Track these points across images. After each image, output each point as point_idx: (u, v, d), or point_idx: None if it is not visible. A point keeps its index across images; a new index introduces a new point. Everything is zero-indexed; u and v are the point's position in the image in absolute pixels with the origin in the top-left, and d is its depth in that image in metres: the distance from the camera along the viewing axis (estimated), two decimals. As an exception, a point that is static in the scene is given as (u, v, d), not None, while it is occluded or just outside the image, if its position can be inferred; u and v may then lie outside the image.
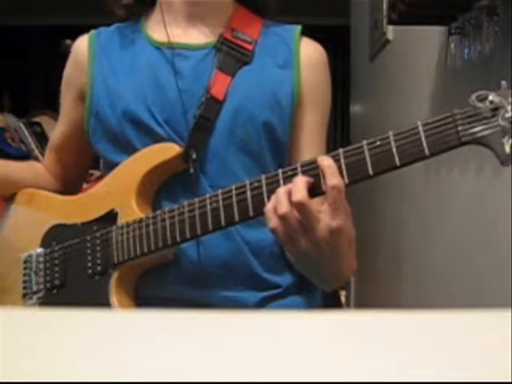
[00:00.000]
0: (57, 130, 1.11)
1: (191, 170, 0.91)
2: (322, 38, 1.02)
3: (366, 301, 2.67)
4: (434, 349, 0.28)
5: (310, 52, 0.99)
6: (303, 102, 0.96)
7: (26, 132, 2.60)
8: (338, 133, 4.32)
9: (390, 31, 2.03)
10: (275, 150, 0.94)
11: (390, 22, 1.36)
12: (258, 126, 0.92)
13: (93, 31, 1.03)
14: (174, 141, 0.91)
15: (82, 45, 1.02)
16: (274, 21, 1.03)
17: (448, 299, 1.41)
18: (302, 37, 0.99)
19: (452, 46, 1.22)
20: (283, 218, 0.72)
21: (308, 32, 1.00)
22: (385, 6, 1.90)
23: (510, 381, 0.24)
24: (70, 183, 1.14)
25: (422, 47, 1.65)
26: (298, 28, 1.00)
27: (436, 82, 1.50)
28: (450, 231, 1.43)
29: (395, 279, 2.02)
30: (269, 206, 0.74)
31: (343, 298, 3.01)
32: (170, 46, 0.95)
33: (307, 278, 0.94)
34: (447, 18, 1.23)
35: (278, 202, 0.72)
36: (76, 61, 1.03)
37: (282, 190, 0.73)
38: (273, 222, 0.73)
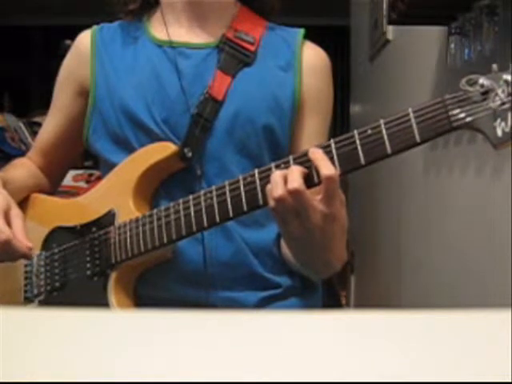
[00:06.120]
0: (49, 124, 1.06)
1: (191, 170, 0.91)
2: (322, 38, 1.02)
3: (366, 301, 2.67)
4: (434, 349, 0.28)
5: (313, 56, 0.98)
6: (304, 106, 0.96)
7: (26, 132, 2.60)
8: (338, 133, 4.32)
9: (390, 31, 2.03)
10: (274, 153, 0.94)
11: (390, 22, 1.36)
12: (257, 128, 0.92)
13: (95, 27, 1.03)
14: (171, 140, 0.91)
15: (84, 39, 1.01)
16: (273, 21, 1.02)
17: (448, 299, 1.41)
18: (305, 41, 0.99)
19: (452, 45, 1.22)
20: (278, 201, 0.73)
21: (308, 32, 1.00)
22: (385, 6, 1.90)
23: (509, 381, 0.24)
24: (58, 181, 1.13)
25: (421, 47, 1.65)
26: (302, 31, 1.00)
27: (436, 82, 1.50)
28: (450, 231, 1.43)
29: (395, 279, 2.02)
30: (268, 187, 0.75)
31: (343, 298, 3.01)
32: (171, 44, 0.95)
33: (306, 277, 0.94)
34: (447, 18, 1.23)
35: (274, 185, 0.74)
36: (78, 54, 1.01)
37: (277, 174, 0.74)
38: (271, 203, 0.74)
